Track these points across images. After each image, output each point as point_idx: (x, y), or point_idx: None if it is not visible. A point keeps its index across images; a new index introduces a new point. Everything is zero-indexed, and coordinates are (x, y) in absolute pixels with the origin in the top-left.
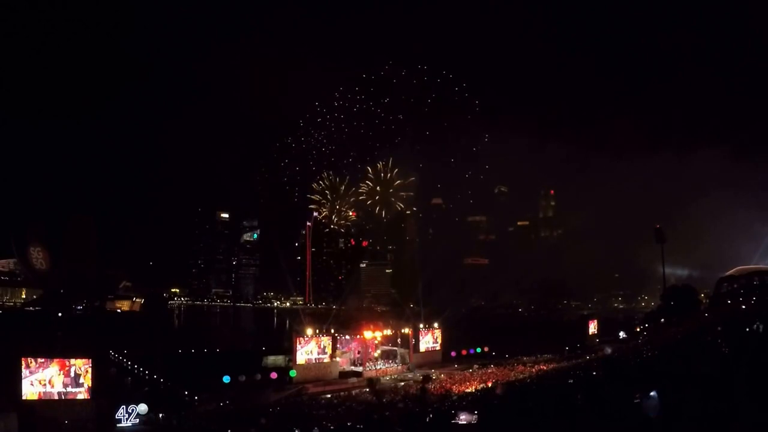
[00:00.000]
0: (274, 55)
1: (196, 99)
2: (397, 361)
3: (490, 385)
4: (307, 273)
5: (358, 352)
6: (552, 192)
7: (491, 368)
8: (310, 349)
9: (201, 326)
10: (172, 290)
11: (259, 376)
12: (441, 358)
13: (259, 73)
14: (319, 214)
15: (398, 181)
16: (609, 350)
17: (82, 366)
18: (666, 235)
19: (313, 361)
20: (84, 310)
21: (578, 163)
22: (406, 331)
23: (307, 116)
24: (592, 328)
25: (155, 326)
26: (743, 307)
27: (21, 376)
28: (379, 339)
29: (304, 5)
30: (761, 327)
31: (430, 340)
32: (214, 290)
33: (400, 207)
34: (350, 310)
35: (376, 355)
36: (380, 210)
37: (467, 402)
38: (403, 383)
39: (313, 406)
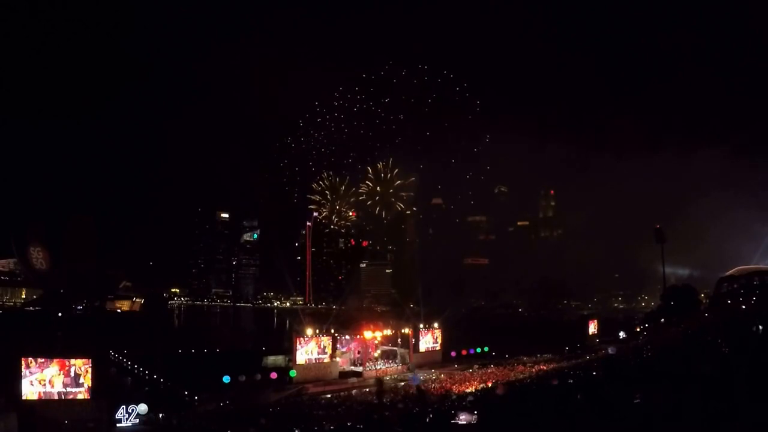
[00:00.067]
0: (274, 55)
1: (196, 99)
2: (397, 361)
3: (490, 385)
4: (307, 273)
5: (358, 352)
6: (552, 192)
7: (491, 368)
8: (310, 349)
9: (201, 326)
10: (172, 290)
11: (259, 376)
12: (441, 358)
13: (259, 73)
14: (319, 214)
15: (398, 182)
16: (613, 350)
17: (82, 366)
18: (666, 235)
19: (313, 361)
20: (84, 310)
21: (578, 163)
22: (406, 331)
23: (307, 116)
24: (592, 328)
25: (155, 326)
26: (743, 307)
27: (21, 376)
28: (379, 339)
29: (304, 5)
30: (761, 327)
31: (430, 340)
32: (214, 290)
33: (400, 207)
34: (350, 310)
35: (376, 355)
36: (380, 210)
37: (467, 402)
38: (403, 383)
39: (313, 406)
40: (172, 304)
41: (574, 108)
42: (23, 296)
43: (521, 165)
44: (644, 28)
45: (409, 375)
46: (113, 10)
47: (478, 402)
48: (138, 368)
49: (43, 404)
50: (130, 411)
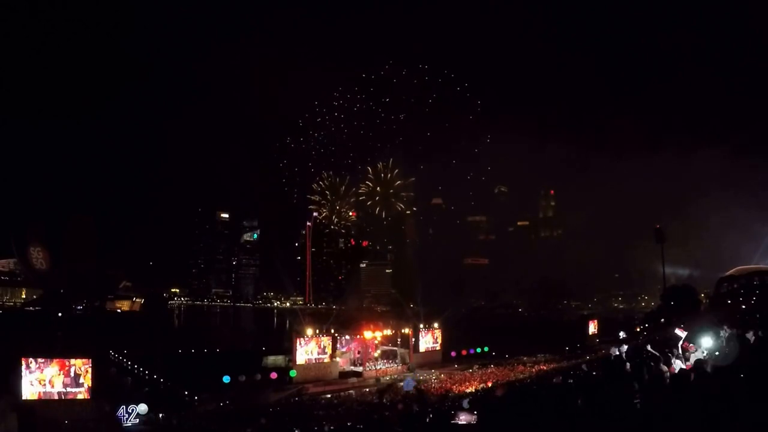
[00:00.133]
0: (274, 55)
1: (196, 99)
2: (397, 361)
3: (490, 385)
4: (307, 273)
5: (358, 352)
6: (552, 192)
7: (491, 368)
8: (310, 349)
9: (201, 326)
10: (172, 290)
11: (259, 376)
12: (441, 358)
13: (259, 73)
14: (319, 214)
15: (398, 182)
16: (621, 349)
17: (82, 366)
18: (666, 235)
19: (313, 361)
20: (84, 310)
21: (578, 163)
22: (406, 331)
23: (307, 116)
24: (592, 328)
25: (155, 326)
26: (743, 307)
27: (21, 376)
28: (379, 339)
29: (304, 5)
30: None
31: (430, 340)
32: (214, 290)
33: (401, 207)
34: (350, 310)
35: (376, 355)
36: (380, 210)
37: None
38: (402, 383)
39: (313, 406)
40: (172, 304)
41: (574, 108)
42: (23, 296)
43: (521, 165)
44: (644, 28)
45: (407, 376)
46: (113, 10)
47: (478, 402)
48: (138, 368)
49: (43, 404)
50: (130, 411)
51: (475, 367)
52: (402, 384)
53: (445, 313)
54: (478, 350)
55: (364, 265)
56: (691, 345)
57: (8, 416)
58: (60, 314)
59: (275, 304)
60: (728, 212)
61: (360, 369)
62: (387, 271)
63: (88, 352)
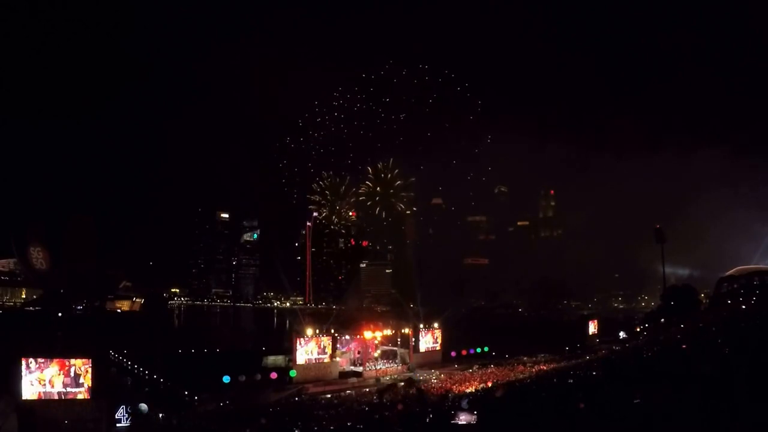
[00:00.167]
0: (274, 55)
1: (196, 99)
2: (397, 361)
3: (490, 385)
4: (307, 273)
5: (358, 352)
6: (552, 192)
7: (491, 368)
8: (310, 349)
9: (201, 326)
10: (172, 290)
11: (259, 376)
12: (441, 358)
13: (259, 73)
14: (319, 214)
15: (398, 182)
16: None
17: (82, 366)
18: (666, 235)
19: (313, 361)
20: (84, 310)
21: (578, 163)
22: (406, 331)
23: (307, 116)
24: (592, 328)
25: (155, 326)
26: (743, 307)
27: (21, 376)
28: (379, 339)
29: (304, 5)
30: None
31: (430, 340)
32: (214, 290)
33: (401, 207)
34: (350, 310)
35: (376, 355)
36: (380, 210)
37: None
38: (403, 383)
39: (313, 406)
40: (172, 304)
41: (574, 108)
42: (23, 296)
43: (521, 165)
44: (644, 28)
45: (410, 375)
46: (113, 10)
47: (478, 402)
48: (138, 368)
49: (43, 404)
50: (130, 411)
51: (475, 367)
52: (402, 384)
53: (445, 313)
54: (478, 350)
55: (364, 265)
56: None
57: (8, 416)
58: (60, 314)
59: (275, 304)
60: (728, 212)
61: (360, 369)
62: (387, 271)
63: (88, 352)
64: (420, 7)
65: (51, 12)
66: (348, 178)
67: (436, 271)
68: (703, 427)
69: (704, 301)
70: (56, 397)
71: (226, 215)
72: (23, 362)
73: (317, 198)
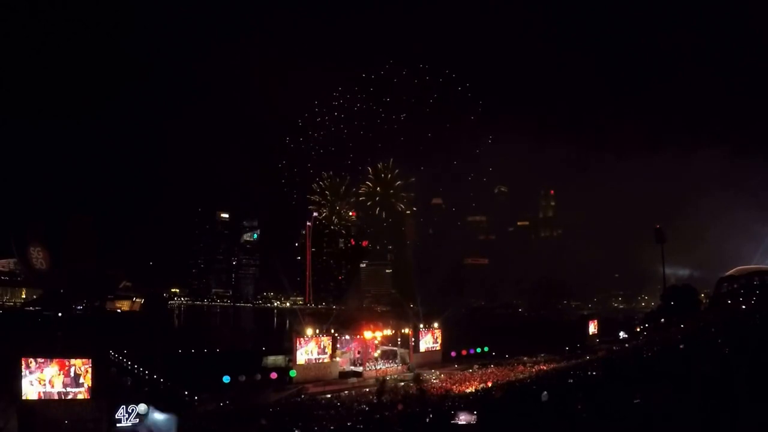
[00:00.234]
0: (274, 55)
1: (196, 99)
2: (397, 361)
3: (490, 385)
4: (307, 273)
5: (358, 352)
6: (552, 192)
7: (491, 368)
8: (310, 349)
9: (201, 326)
10: (172, 290)
11: (259, 376)
12: (441, 358)
13: (258, 73)
14: (319, 214)
15: (398, 182)
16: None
17: (82, 366)
18: (666, 235)
19: (313, 361)
20: (84, 310)
21: (578, 163)
22: (406, 331)
23: (307, 116)
24: (592, 328)
25: (155, 326)
26: (743, 307)
27: (21, 376)
28: (379, 339)
29: (304, 5)
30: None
31: (430, 340)
32: (214, 290)
33: (401, 207)
34: (350, 310)
35: (376, 355)
36: (380, 210)
37: (467, 402)
38: (403, 383)
39: (313, 406)
40: (172, 304)
41: (574, 108)
42: (23, 296)
43: (521, 165)
44: (644, 28)
45: (410, 375)
46: (113, 10)
47: (478, 402)
48: (138, 368)
49: (43, 404)
50: (130, 411)
51: (475, 367)
52: (402, 384)
53: (445, 313)
54: (478, 350)
55: (364, 265)
56: None
57: (9, 416)
58: (60, 314)
59: (275, 304)
60: (728, 212)
61: (360, 369)
62: (387, 271)
63: (88, 352)
64: (420, 7)
65: (51, 12)
66: (348, 178)
67: (436, 271)
68: (703, 427)
69: (704, 301)
70: (56, 397)
71: (226, 215)
72: (23, 362)
73: (317, 198)
